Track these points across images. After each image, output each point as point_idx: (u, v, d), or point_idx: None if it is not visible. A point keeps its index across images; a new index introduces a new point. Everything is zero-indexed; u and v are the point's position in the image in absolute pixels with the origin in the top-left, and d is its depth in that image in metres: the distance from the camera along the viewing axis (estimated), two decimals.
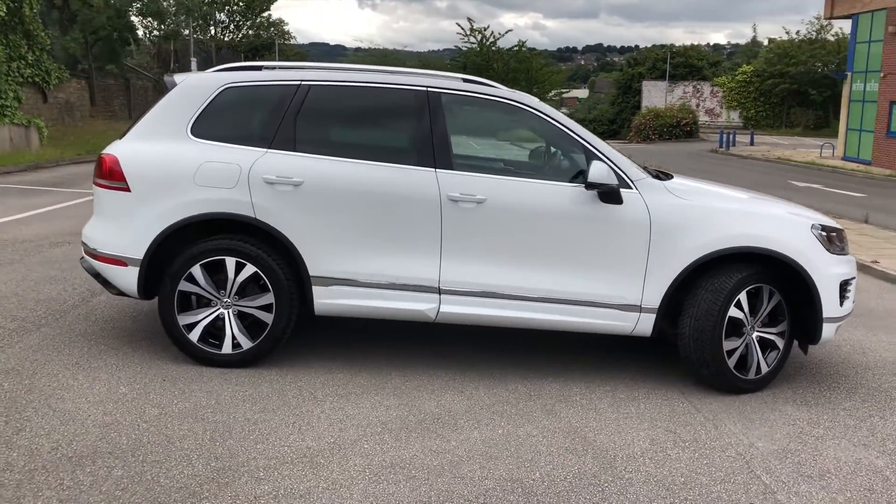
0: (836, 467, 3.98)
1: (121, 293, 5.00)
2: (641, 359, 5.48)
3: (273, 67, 5.21)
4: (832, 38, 50.66)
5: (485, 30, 54.99)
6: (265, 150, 4.86)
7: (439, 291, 4.87)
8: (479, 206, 4.82)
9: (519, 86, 55.28)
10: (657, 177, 5.12)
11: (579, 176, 4.98)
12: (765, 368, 5.01)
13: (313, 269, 4.82)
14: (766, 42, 61.14)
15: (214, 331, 4.90)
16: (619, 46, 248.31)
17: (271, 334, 4.89)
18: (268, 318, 4.87)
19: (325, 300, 4.88)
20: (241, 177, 4.79)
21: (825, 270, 4.94)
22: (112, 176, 4.86)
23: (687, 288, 4.92)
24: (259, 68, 5.17)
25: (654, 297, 4.87)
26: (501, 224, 4.84)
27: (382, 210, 4.82)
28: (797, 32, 52.88)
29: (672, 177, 5.23)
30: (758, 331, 4.99)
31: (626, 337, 5.02)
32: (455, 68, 56.30)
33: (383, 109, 5.10)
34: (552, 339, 5.70)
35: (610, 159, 4.90)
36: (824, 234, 5.03)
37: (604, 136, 57.77)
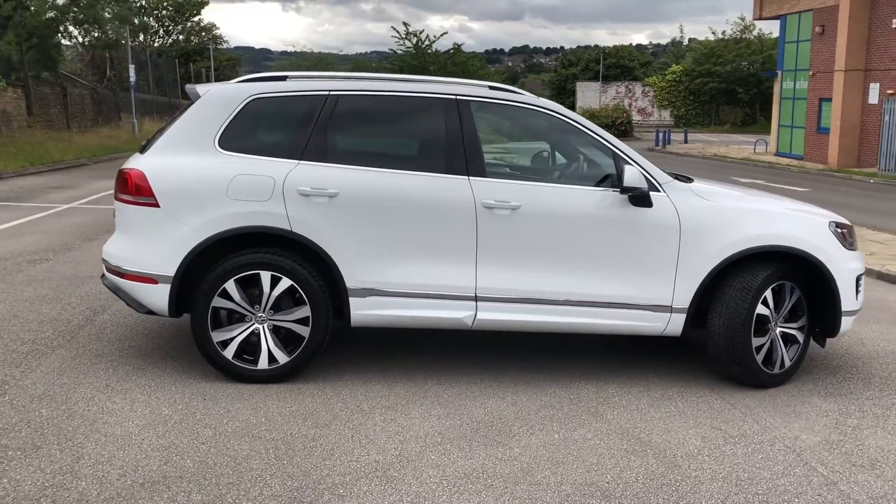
0: (882, 456, 4.14)
1: (149, 312, 4.87)
2: (658, 358, 5.59)
3: (298, 78, 5.14)
4: (754, 38, 52.39)
5: (420, 33, 55.22)
6: (297, 161, 4.80)
7: (476, 299, 4.88)
8: (514, 212, 4.85)
9: None
10: (680, 180, 5.24)
11: (604, 180, 5.06)
12: (787, 363, 5.17)
13: (350, 280, 4.79)
14: (686, 42, 62.86)
15: (248, 346, 4.82)
16: (544, 48, 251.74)
17: (308, 348, 4.83)
18: (304, 331, 4.81)
19: (363, 311, 4.85)
20: (275, 189, 4.72)
21: (843, 266, 5.13)
22: (139, 192, 4.73)
23: (714, 287, 5.05)
24: (284, 78, 5.10)
25: (685, 297, 4.99)
26: (536, 230, 4.89)
27: (418, 219, 4.82)
28: (723, 33, 54.53)
29: (692, 180, 5.36)
30: (780, 326, 5.15)
31: (635, 337, 5.12)
32: (391, 71, 56.35)
33: (412, 118, 5.09)
34: (570, 342, 5.78)
35: (638, 163, 5.00)
36: (840, 230, 5.23)
37: None
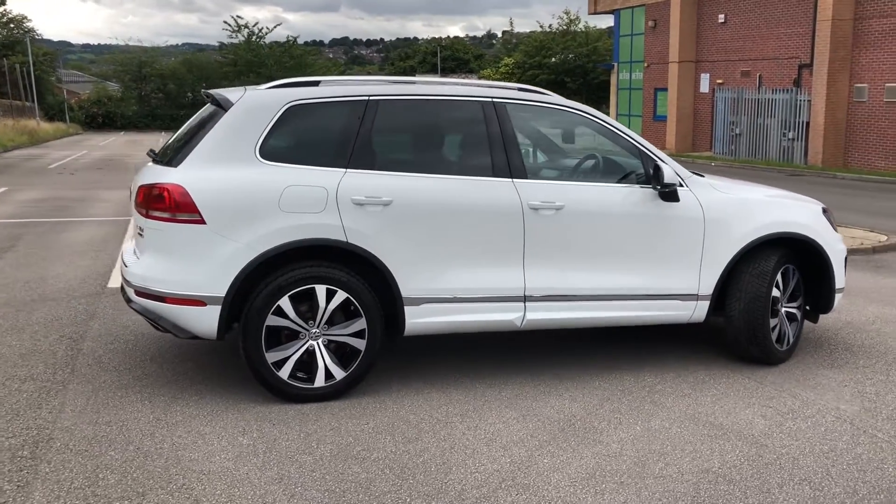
0: None
1: (193, 337, 4.54)
2: (660, 345, 5.88)
3: (331, 83, 4.94)
4: (580, 31, 55.03)
5: (254, 25, 53.69)
6: (343, 170, 4.64)
7: (524, 299, 4.94)
8: (558, 212, 4.94)
9: None
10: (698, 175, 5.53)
11: (626, 177, 5.26)
12: (791, 339, 5.61)
13: (405, 289, 4.69)
14: (500, 34, 64.92)
15: (301, 364, 4.61)
16: (365, 40, 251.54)
17: (365, 361, 4.69)
18: (360, 344, 4.67)
19: (417, 320, 4.77)
20: (328, 199, 4.54)
21: (835, 247, 5.62)
22: (180, 208, 4.39)
23: (730, 274, 5.37)
24: (316, 83, 4.88)
25: (709, 285, 5.29)
26: (578, 228, 5.00)
27: (468, 223, 4.80)
28: (549, 26, 56.86)
29: (704, 175, 5.66)
30: (785, 306, 5.57)
31: (630, 328, 5.35)
32: (225, 64, 54.44)
33: (453, 121, 5.04)
34: (579, 337, 5.96)
35: (665, 160, 5.23)
36: (829, 216, 5.73)
37: None
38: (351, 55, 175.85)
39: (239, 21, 53.92)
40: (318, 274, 4.53)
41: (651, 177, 5.14)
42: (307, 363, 4.61)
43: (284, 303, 4.49)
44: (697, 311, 5.33)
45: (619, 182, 5.25)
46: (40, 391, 4.72)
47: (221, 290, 4.41)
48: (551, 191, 4.97)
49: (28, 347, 5.55)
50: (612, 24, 34.69)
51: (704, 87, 28.83)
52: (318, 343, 4.62)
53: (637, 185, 5.20)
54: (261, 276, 4.50)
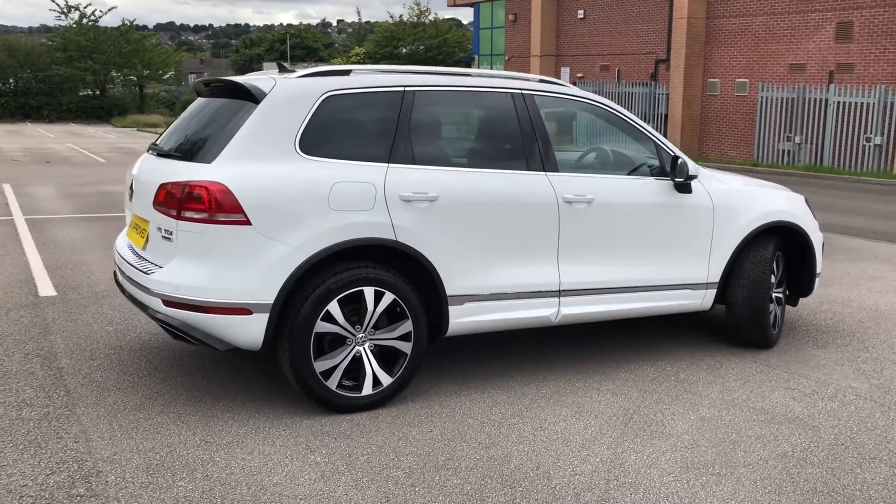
0: None
1: (232, 348, 4.14)
2: (651, 336, 6.03)
3: (363, 71, 4.63)
4: (430, 23, 55.41)
5: (85, 7, 50.08)
6: (385, 164, 4.39)
7: (559, 294, 4.88)
8: (589, 205, 4.92)
9: (134, 69, 51.38)
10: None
11: (638, 169, 5.33)
12: (780, 323, 5.89)
13: (450, 288, 4.51)
14: (333, 22, 64.26)
15: (346, 372, 4.33)
16: (192, 25, 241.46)
17: (411, 365, 4.48)
18: (406, 347, 4.44)
19: (460, 319, 4.60)
20: (377, 196, 4.27)
21: (816, 235, 5.95)
22: (222, 208, 3.99)
23: (732, 263, 5.55)
24: (347, 73, 4.57)
25: (716, 273, 5.45)
26: (606, 221, 5.00)
27: (508, 218, 4.68)
28: (400, 17, 56.83)
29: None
30: (774, 291, 5.84)
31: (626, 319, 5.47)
32: (54, 50, 50.36)
33: (487, 113, 4.88)
34: (580, 329, 5.99)
35: (677, 153, 5.32)
36: (809, 205, 6.05)
37: None
38: (178, 40, 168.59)
39: (67, 2, 49.94)
40: (366, 275, 4.26)
41: (670, 168, 5.21)
42: (354, 370, 4.34)
43: (334, 307, 4.19)
44: (706, 300, 5.48)
45: (632, 174, 5.29)
46: (48, 419, 4.15)
47: (269, 297, 4.05)
48: (582, 184, 4.93)
49: (24, 369, 4.88)
50: (460, 16, 35.08)
51: (565, 80, 29.80)
52: (364, 348, 4.35)
53: (652, 177, 5.26)
54: (306, 280, 4.17)
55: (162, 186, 4.15)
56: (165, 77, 55.06)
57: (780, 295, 5.88)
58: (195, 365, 5.03)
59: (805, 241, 5.84)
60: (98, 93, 51.39)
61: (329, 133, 4.34)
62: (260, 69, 53.74)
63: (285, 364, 4.20)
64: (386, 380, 4.40)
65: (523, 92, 4.90)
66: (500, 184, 4.67)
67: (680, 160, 5.15)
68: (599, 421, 4.35)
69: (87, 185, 15.44)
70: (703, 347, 5.71)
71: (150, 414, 4.25)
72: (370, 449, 3.91)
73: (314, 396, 4.24)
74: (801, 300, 6.33)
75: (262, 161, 4.13)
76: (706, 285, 5.44)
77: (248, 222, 4.01)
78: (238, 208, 3.99)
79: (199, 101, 4.86)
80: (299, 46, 54.81)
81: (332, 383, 4.25)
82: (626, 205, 5.08)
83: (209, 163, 4.10)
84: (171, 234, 4.12)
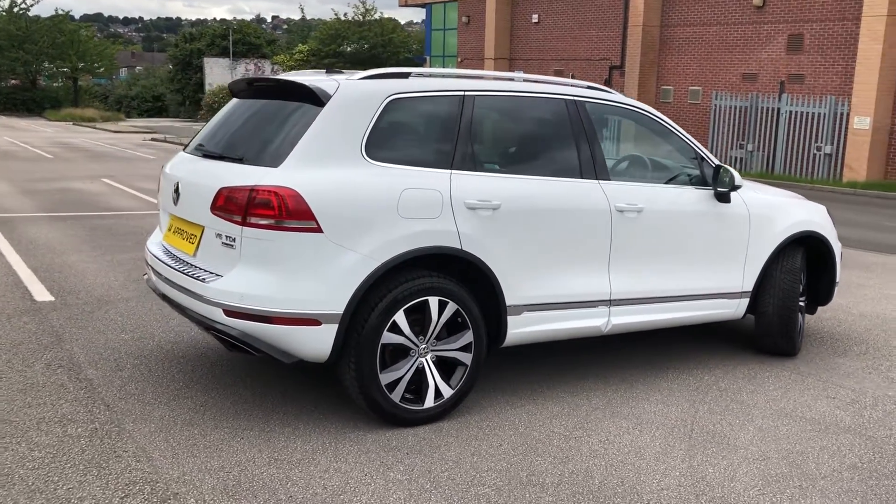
0: None
1: (296, 361, 3.96)
2: (667, 345, 6.05)
3: (422, 75, 4.48)
4: (374, 22, 55.08)
5: None
6: (448, 171, 4.27)
7: (609, 303, 4.84)
8: (639, 214, 4.89)
9: (69, 61, 49.65)
10: None
11: (676, 178, 5.33)
12: (802, 331, 5.98)
13: (509, 297, 4.42)
14: (269, 19, 63.38)
15: (408, 384, 4.20)
16: (121, 17, 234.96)
17: (472, 376, 4.37)
18: (466, 358, 4.33)
19: (518, 329, 4.52)
20: (444, 203, 4.15)
21: (836, 244, 6.06)
22: (293, 215, 3.81)
23: (764, 272, 5.60)
24: (406, 75, 4.42)
25: (750, 282, 5.49)
26: (654, 230, 4.99)
27: (565, 227, 4.61)
28: (344, 15, 56.33)
29: None
30: (799, 300, 5.93)
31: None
32: None
33: (542, 120, 4.79)
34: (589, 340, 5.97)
35: (719, 162, 5.34)
36: (830, 215, 6.16)
37: (149, 113, 55.34)
38: (107, 33, 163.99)
39: None
40: (431, 285, 4.14)
41: (713, 178, 5.22)
42: (415, 383, 4.21)
43: (400, 318, 4.06)
44: (739, 308, 5.52)
45: (670, 182, 5.29)
46: (97, 436, 3.90)
47: (339, 307, 3.89)
48: (632, 192, 4.90)
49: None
50: (413, 16, 34.99)
51: None
52: (426, 360, 4.22)
53: (692, 186, 5.27)
54: (372, 290, 4.02)
55: (222, 190, 3.94)
56: (101, 70, 53.42)
57: (802, 303, 5.96)
58: (233, 375, 4.82)
59: (827, 250, 5.93)
60: (29, 84, 49.48)
61: (393, 138, 4.20)
62: (201, 64, 52.66)
63: (349, 377, 4.04)
64: (447, 392, 4.28)
65: (575, 99, 4.84)
66: (557, 192, 4.60)
67: (724, 170, 5.17)
68: (663, 433, 4.32)
69: (40, 181, 14.81)
70: (731, 355, 5.74)
71: (205, 430, 4.04)
72: (447, 465, 3.79)
73: (379, 410, 4.09)
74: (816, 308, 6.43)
75: (329, 166, 3.96)
76: (741, 294, 5.47)
77: (318, 229, 3.84)
78: (309, 215, 3.82)
79: (243, 101, 4.65)
80: (241, 42, 53.70)
81: (396, 396, 4.12)
82: (673, 213, 5.08)
83: (276, 167, 3.91)
84: (233, 240, 3.91)
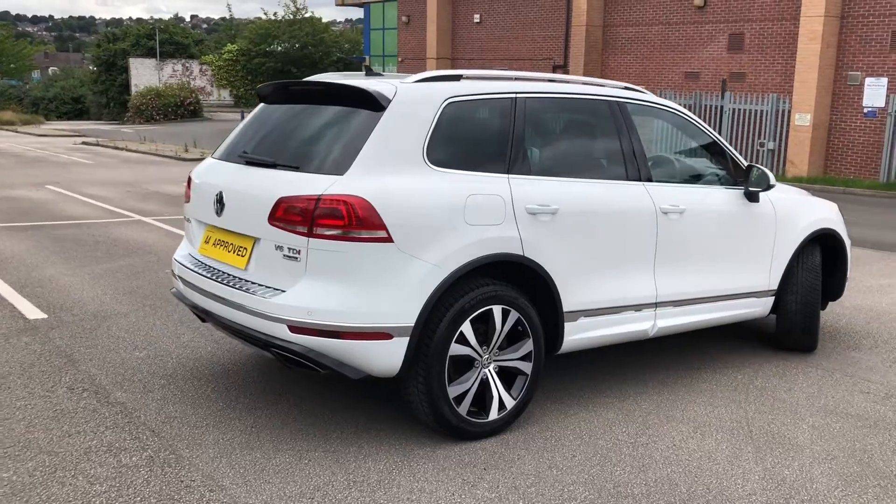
0: None
1: (365, 377, 3.78)
2: (677, 345, 6.07)
3: (473, 77, 4.34)
4: (305, 20, 54.30)
5: None
6: (506, 175, 4.15)
7: (655, 306, 4.80)
8: (681, 216, 4.87)
9: None
10: None
11: (704, 178, 5.34)
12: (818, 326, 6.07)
13: (566, 303, 4.33)
14: (188, 18, 62.11)
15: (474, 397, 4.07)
16: (30, 16, 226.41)
17: (532, 385, 4.26)
18: (527, 367, 4.23)
19: (573, 336, 4.44)
20: (506, 209, 4.03)
21: (846, 241, 6.18)
22: (363, 224, 3.64)
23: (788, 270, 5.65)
24: (458, 77, 4.28)
25: (776, 281, 5.54)
26: (694, 231, 4.98)
27: (616, 230, 4.56)
28: (275, 14, 55.31)
29: None
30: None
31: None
32: None
33: (589, 122, 4.72)
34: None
35: (751, 163, 5.36)
36: (841, 212, 6.27)
37: (69, 115, 53.17)
38: (15, 32, 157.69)
39: None
40: (495, 293, 4.01)
41: (745, 177, 5.24)
42: (479, 394, 4.08)
43: (466, 328, 3.93)
44: (765, 307, 5.57)
45: (699, 183, 5.29)
46: (157, 465, 3.65)
47: (410, 319, 3.73)
48: (674, 194, 4.87)
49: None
50: (349, 16, 34.66)
51: None
52: (489, 370, 4.10)
53: (722, 186, 5.28)
54: (440, 300, 3.87)
55: (282, 200, 3.73)
56: (13, 69, 51.21)
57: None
58: (272, 393, 4.60)
59: (841, 247, 6.03)
60: None
61: (451, 142, 4.06)
62: (126, 65, 50.96)
63: (416, 391, 3.88)
64: (510, 402, 4.17)
65: (618, 100, 4.78)
66: (609, 195, 4.53)
67: (757, 170, 5.20)
68: (725, 435, 4.29)
69: None
70: (753, 353, 5.77)
71: (267, 453, 3.82)
72: (529, 479, 3.68)
73: (446, 425, 3.95)
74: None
75: (394, 173, 3.80)
76: (768, 293, 5.51)
77: (389, 239, 3.68)
78: (381, 224, 3.65)
79: (278, 106, 4.43)
80: (168, 42, 52.20)
81: (463, 410, 3.98)
82: (710, 214, 5.08)
83: (341, 174, 3.72)
84: (297, 252, 3.71)
